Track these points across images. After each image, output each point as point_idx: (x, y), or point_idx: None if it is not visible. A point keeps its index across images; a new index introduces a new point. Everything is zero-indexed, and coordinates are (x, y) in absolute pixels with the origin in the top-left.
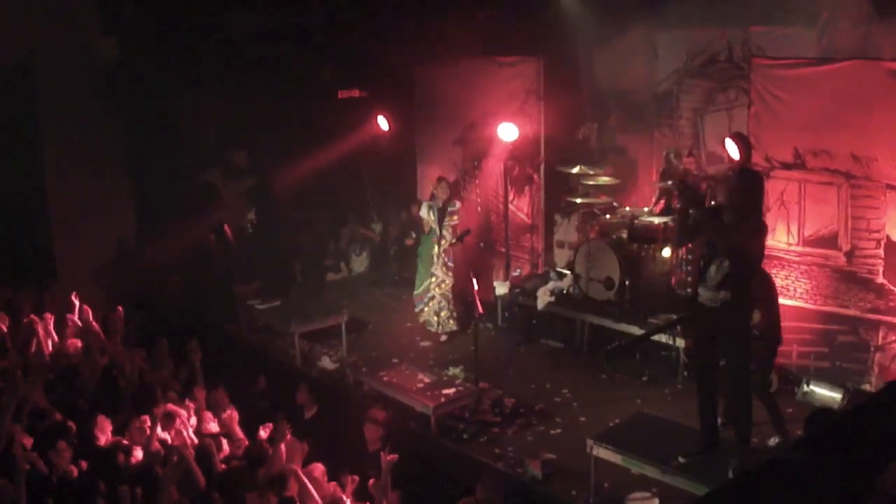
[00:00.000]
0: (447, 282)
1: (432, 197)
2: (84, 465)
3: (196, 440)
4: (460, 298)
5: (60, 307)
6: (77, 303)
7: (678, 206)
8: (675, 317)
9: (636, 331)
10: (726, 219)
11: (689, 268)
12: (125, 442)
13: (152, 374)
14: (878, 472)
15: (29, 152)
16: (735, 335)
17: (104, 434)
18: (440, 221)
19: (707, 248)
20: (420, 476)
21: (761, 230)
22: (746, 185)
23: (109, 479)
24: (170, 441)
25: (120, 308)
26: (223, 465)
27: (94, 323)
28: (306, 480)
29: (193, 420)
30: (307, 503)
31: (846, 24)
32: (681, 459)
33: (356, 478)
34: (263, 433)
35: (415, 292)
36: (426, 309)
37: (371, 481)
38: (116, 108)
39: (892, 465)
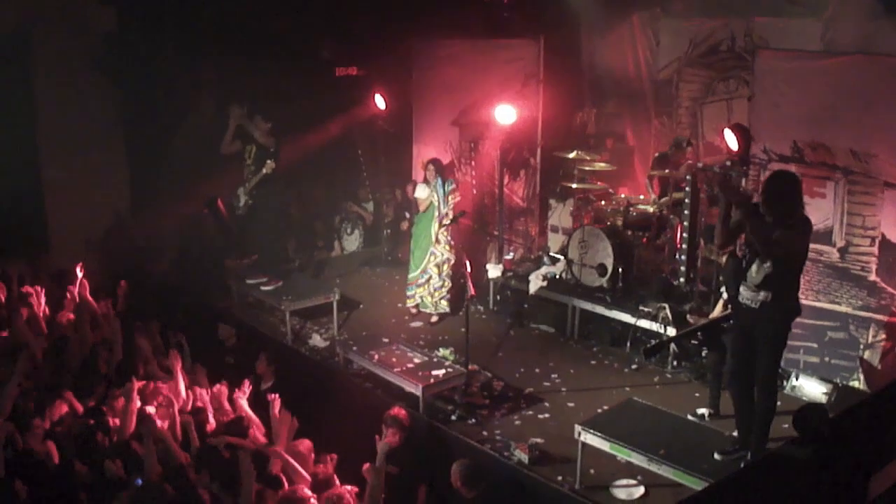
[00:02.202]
0: (452, 259)
1: (425, 180)
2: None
3: (180, 417)
4: (455, 279)
5: (53, 279)
6: (80, 275)
7: (722, 204)
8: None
9: (627, 318)
10: (768, 218)
11: (684, 257)
12: (91, 422)
13: (139, 352)
14: (870, 476)
15: (23, 122)
16: (768, 337)
17: (51, 419)
18: (444, 198)
19: (748, 246)
20: (407, 456)
21: (805, 230)
22: (781, 189)
23: (86, 459)
24: (155, 416)
25: (123, 283)
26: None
27: (89, 297)
28: (291, 460)
29: (181, 396)
30: (295, 480)
31: (851, 18)
32: (717, 457)
33: (335, 456)
34: (239, 394)
35: (410, 275)
36: (420, 290)
37: (366, 466)
38: (113, 79)
39: (877, 474)
